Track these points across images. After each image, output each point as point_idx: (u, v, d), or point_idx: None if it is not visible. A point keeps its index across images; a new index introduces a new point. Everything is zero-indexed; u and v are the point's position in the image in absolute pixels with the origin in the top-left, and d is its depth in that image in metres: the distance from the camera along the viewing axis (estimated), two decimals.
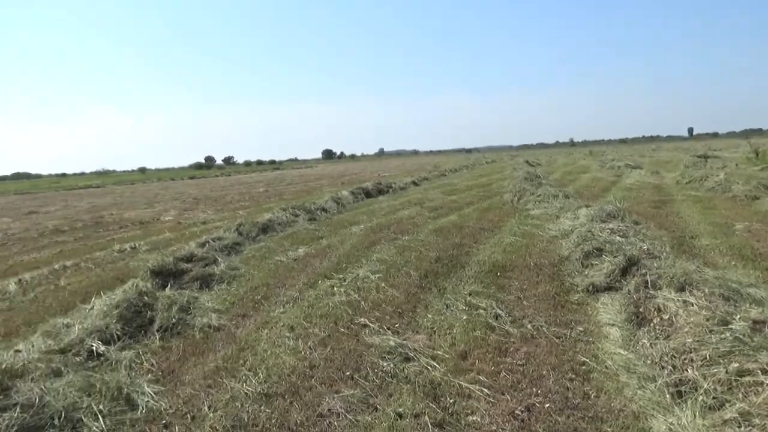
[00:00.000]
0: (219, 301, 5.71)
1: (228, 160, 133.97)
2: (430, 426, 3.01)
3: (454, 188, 18.83)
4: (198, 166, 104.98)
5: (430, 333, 4.45)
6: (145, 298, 5.23)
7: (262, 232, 9.97)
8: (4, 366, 3.46)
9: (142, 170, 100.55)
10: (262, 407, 3.34)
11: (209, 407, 3.37)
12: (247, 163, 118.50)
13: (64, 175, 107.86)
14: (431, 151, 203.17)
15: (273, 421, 3.18)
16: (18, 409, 3.01)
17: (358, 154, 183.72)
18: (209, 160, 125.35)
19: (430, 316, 4.85)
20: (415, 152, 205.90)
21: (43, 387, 3.29)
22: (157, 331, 4.76)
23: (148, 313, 5.02)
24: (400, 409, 3.20)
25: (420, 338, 4.29)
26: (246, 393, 3.53)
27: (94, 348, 4.23)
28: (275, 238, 9.57)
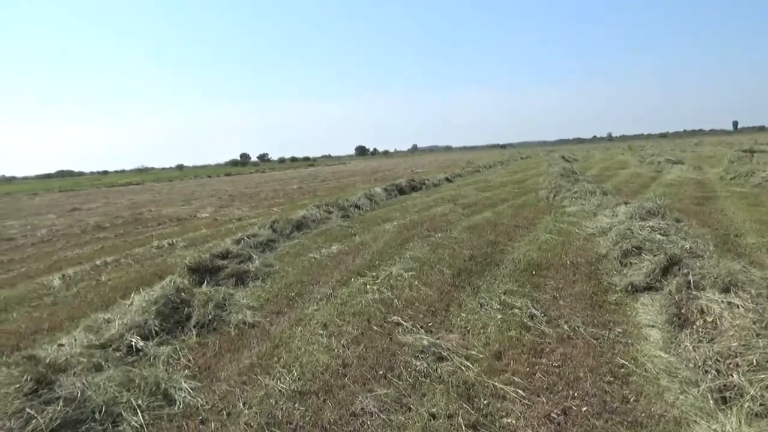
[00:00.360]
0: (254, 298, 5.78)
1: (263, 157, 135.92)
2: (463, 427, 2.98)
3: (488, 185, 18.65)
4: (234, 163, 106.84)
5: (463, 332, 4.40)
6: (183, 294, 5.33)
7: (296, 229, 10.06)
8: (48, 360, 3.57)
9: (180, 167, 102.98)
10: (296, 405, 3.36)
11: (244, 404, 3.41)
12: (281, 160, 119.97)
13: (105, 172, 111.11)
14: (465, 147, 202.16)
15: (306, 419, 3.19)
16: (61, 403, 3.11)
17: (392, 150, 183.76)
18: (244, 157, 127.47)
19: (463, 315, 4.80)
20: (449, 148, 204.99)
21: (84, 381, 3.38)
22: (194, 327, 4.85)
23: (185, 309, 5.11)
24: (434, 410, 3.18)
25: (453, 337, 4.25)
26: (280, 390, 3.56)
27: (133, 343, 4.33)
28: (309, 235, 9.64)
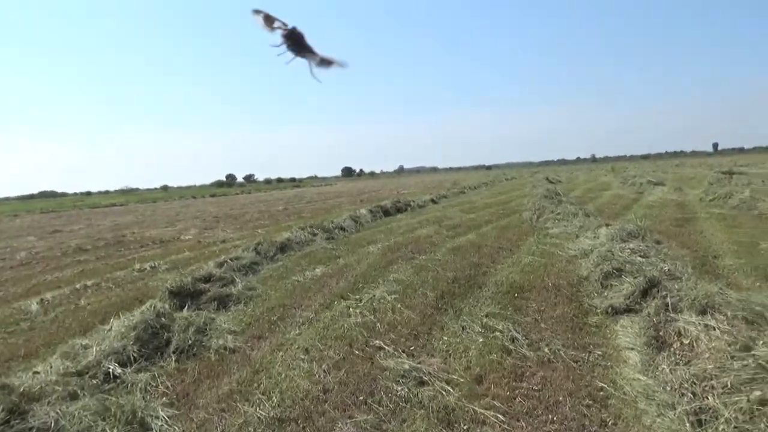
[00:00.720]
0: (235, 323, 5.73)
1: (249, 178, 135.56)
2: None
3: (473, 206, 18.78)
4: (219, 184, 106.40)
5: (445, 356, 4.40)
6: (163, 319, 5.27)
7: (280, 251, 10.02)
8: (22, 389, 3.51)
9: (165, 188, 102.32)
10: None
11: None
12: (268, 181, 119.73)
13: (89, 193, 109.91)
14: (451, 168, 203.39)
15: None
16: None
17: (378, 171, 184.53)
18: (230, 177, 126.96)
19: (445, 338, 4.80)
20: (435, 169, 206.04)
21: (59, 411, 3.32)
22: (173, 352, 4.79)
23: (165, 334, 5.06)
24: None
25: (435, 361, 4.25)
26: (259, 417, 3.52)
27: (110, 370, 4.26)
28: (293, 258, 9.61)
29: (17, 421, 3.15)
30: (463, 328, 5.00)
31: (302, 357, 4.58)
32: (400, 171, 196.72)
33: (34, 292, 8.44)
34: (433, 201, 21.67)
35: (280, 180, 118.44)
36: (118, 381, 4.17)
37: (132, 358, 4.54)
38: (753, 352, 3.27)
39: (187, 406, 3.80)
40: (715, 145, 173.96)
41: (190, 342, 4.95)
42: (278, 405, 3.70)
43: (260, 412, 3.60)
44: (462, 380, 3.89)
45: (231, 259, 8.69)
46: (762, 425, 2.68)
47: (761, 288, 5.64)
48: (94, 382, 4.08)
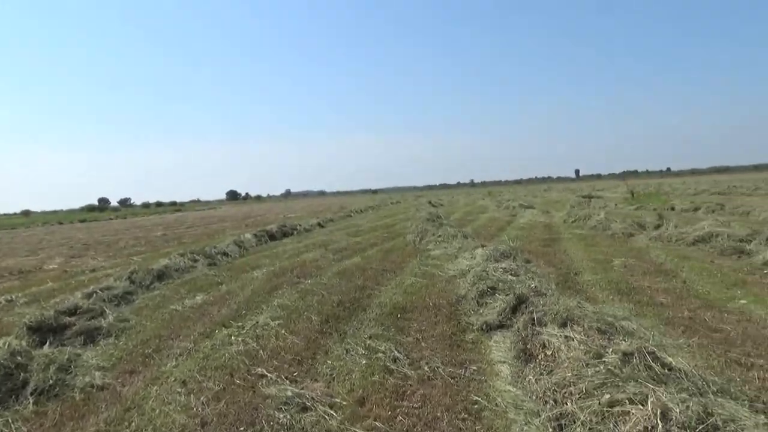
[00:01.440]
0: (104, 358, 5.34)
1: (124, 202, 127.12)
2: None
3: (359, 229, 19.04)
4: (90, 209, 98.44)
5: (329, 380, 4.42)
6: (18, 358, 4.77)
7: (158, 280, 9.50)
8: None
9: (26, 213, 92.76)
10: None
11: None
12: (146, 205, 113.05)
13: None
14: (338, 192, 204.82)
15: None
16: None
17: (264, 195, 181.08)
18: (103, 201, 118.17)
19: (329, 362, 4.82)
20: (322, 193, 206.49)
21: None
22: (31, 394, 4.35)
23: (21, 374, 4.58)
24: None
25: (318, 386, 4.24)
26: None
27: None
28: (171, 286, 9.15)
29: None
30: (346, 351, 5.04)
31: (179, 390, 4.37)
32: (287, 195, 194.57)
33: None
34: (320, 225, 21.68)
35: (159, 204, 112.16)
36: None
37: None
38: (604, 359, 3.63)
39: None
40: (577, 172, 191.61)
41: (51, 382, 4.53)
42: None
43: None
44: (345, 403, 3.93)
45: (101, 289, 8.08)
46: (611, 425, 2.98)
47: (613, 300, 6.27)
48: None
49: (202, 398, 4.17)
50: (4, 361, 4.62)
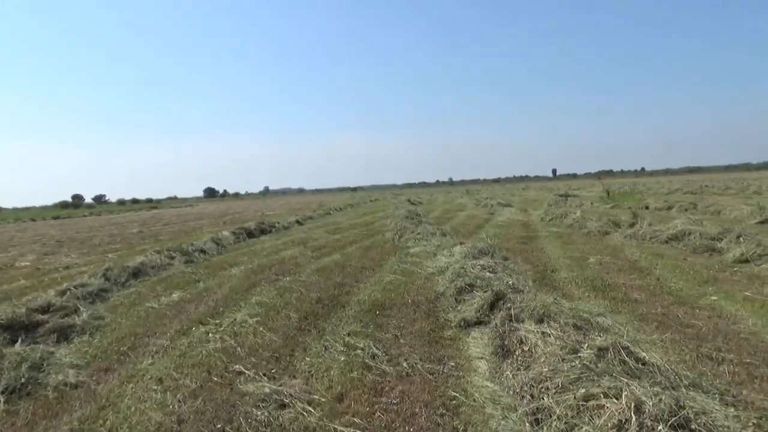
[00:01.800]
0: (78, 355, 5.25)
1: (99, 199, 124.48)
2: None
3: (338, 227, 19.00)
4: (64, 205, 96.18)
5: (307, 377, 4.41)
6: None
7: (133, 277, 9.37)
8: None
9: None
10: None
11: None
12: (121, 202, 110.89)
13: None
14: (317, 190, 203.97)
15: None
16: None
17: (242, 192, 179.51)
18: (77, 198, 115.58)
19: (308, 359, 4.81)
20: (301, 190, 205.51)
21: None
22: (2, 393, 4.26)
23: None
24: None
25: (296, 383, 4.23)
26: None
27: None
28: (147, 283, 9.03)
29: None
30: (325, 348, 5.04)
31: (155, 388, 4.32)
32: (266, 192, 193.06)
33: None
34: (298, 222, 21.57)
35: (135, 201, 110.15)
36: None
37: None
38: (579, 354, 3.69)
39: None
40: (554, 171, 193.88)
41: (23, 380, 4.44)
42: None
43: None
44: (324, 400, 3.92)
45: (75, 287, 7.94)
46: (586, 419, 3.03)
47: (589, 297, 6.37)
48: None
49: (178, 396, 4.13)
50: None
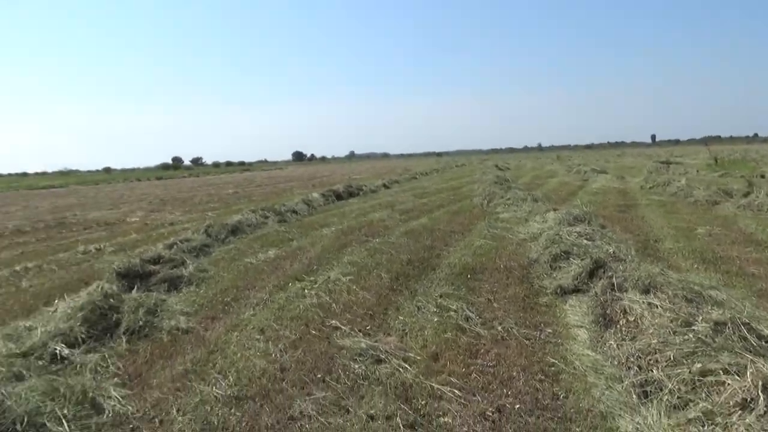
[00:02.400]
0: (187, 304, 5.61)
1: (196, 161, 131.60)
2: (402, 428, 3.02)
3: (425, 191, 18.94)
4: (165, 167, 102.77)
5: (401, 335, 4.46)
6: (111, 300, 5.10)
7: (232, 234, 9.85)
8: None
9: (107, 170, 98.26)
10: (232, 410, 3.30)
11: (177, 411, 3.31)
12: (216, 165, 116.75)
13: (25, 174, 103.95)
14: (402, 155, 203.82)
15: (243, 424, 3.14)
16: None
17: (329, 156, 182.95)
18: (177, 160, 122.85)
19: (401, 318, 4.86)
20: (386, 155, 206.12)
21: (3, 392, 3.17)
22: (124, 333, 4.65)
23: (114, 315, 4.89)
24: (372, 411, 3.20)
25: (391, 340, 4.30)
26: (216, 396, 3.48)
27: (57, 351, 4.11)
28: (245, 240, 9.47)
29: None
30: (418, 308, 5.07)
31: (258, 337, 4.54)
32: (351, 156, 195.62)
33: None
34: (385, 186, 21.74)
35: (229, 164, 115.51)
36: (66, 362, 4.02)
37: (80, 339, 4.38)
38: (693, 328, 3.46)
39: (140, 386, 3.71)
40: (653, 137, 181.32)
41: (140, 323, 4.82)
42: (235, 384, 3.66)
43: (216, 390, 3.55)
44: (419, 358, 3.96)
45: (181, 241, 8.47)
46: (703, 395, 2.85)
47: (698, 270, 5.95)
48: (41, 363, 3.92)
49: (279, 345, 4.31)
50: (99, 302, 4.94)
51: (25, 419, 3.02)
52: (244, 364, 4.00)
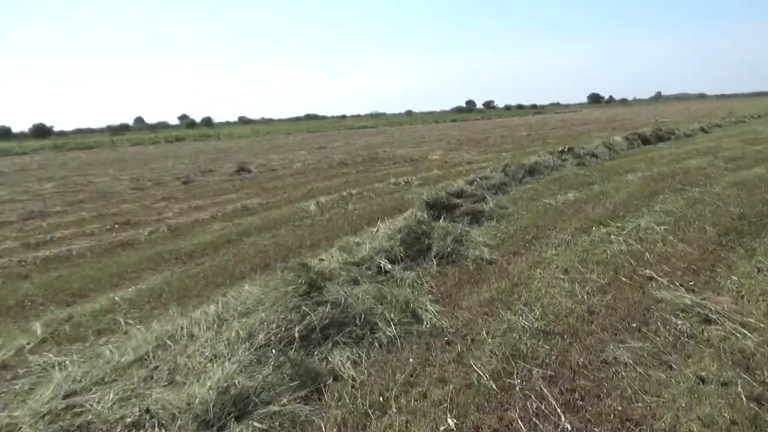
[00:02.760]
0: (489, 237, 5.77)
1: (488, 104, 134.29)
2: (743, 398, 2.58)
3: (758, 137, 15.74)
4: (459, 110, 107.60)
5: (736, 297, 3.81)
6: (423, 226, 5.55)
7: (528, 174, 9.79)
8: (317, 269, 4.03)
9: (409, 113, 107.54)
10: (540, 342, 3.28)
11: (487, 333, 3.44)
12: (507, 108, 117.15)
13: (344, 116, 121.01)
14: (722, 95, 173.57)
15: (552, 357, 3.09)
16: (329, 306, 3.49)
17: (630, 98, 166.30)
18: (470, 104, 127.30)
19: (735, 278, 4.15)
20: (702, 96, 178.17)
21: (346, 291, 3.74)
22: (434, 257, 5.03)
23: (426, 240, 5.32)
24: (702, 373, 2.81)
25: (724, 300, 3.70)
26: (522, 326, 3.50)
27: (381, 265, 4.67)
28: (542, 181, 9.30)
29: (315, 294, 3.63)
30: (758, 270, 4.25)
31: (561, 277, 4.42)
32: (658, 98, 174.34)
33: (311, 195, 9.68)
34: (703, 130, 18.81)
35: (520, 107, 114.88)
36: (389, 275, 4.54)
37: (399, 257, 4.89)
38: None
39: (452, 305, 3.96)
40: None
41: (449, 249, 5.13)
42: (541, 318, 3.63)
43: (523, 321, 3.57)
44: (762, 325, 3.32)
45: (480, 178, 8.76)
46: None
47: None
48: (369, 272, 4.50)
49: (586, 288, 4.12)
50: (414, 227, 5.43)
51: (363, 316, 3.52)
52: (549, 300, 3.93)
